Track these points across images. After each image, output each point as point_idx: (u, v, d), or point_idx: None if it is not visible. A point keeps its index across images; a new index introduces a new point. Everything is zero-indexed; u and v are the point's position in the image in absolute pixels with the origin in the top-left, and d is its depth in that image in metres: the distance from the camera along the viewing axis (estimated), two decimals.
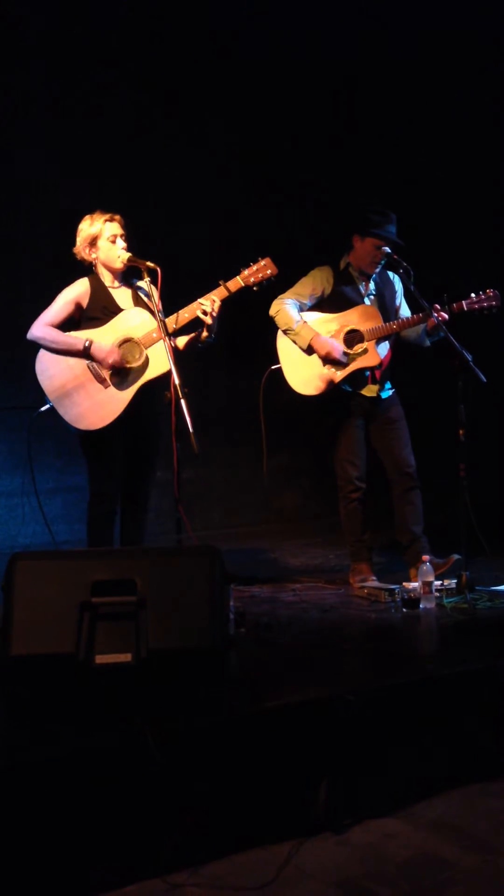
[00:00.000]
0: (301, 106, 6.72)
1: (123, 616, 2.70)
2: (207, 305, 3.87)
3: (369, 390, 4.43)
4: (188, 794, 2.53)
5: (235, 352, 6.50)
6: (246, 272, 3.95)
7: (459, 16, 6.40)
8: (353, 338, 4.37)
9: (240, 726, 2.71)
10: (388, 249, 4.35)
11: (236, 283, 3.94)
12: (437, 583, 4.06)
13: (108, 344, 3.89)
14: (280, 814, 2.67)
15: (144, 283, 3.98)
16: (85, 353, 3.88)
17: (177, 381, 3.57)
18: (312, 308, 4.48)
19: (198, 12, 6.35)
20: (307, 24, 6.60)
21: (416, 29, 6.60)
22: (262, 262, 3.96)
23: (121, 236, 3.96)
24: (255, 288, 3.96)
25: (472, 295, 4.27)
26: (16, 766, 2.41)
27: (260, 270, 3.95)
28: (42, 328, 3.92)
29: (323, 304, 4.48)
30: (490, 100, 6.53)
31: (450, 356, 4.16)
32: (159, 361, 3.90)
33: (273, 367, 4.48)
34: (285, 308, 4.40)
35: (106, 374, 3.92)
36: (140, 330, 3.92)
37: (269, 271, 3.95)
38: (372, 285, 4.50)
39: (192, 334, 3.99)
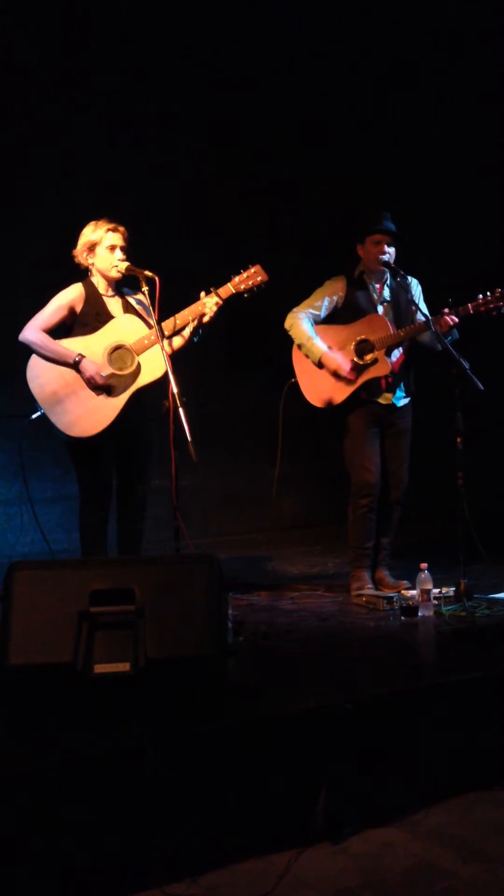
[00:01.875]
0: (302, 111, 6.73)
1: (122, 625, 2.70)
2: (209, 303, 3.91)
3: (384, 398, 4.45)
4: (187, 804, 2.53)
5: (234, 361, 6.51)
6: (236, 279, 3.98)
7: (457, 12, 6.42)
8: (363, 348, 4.39)
9: (238, 735, 2.70)
10: (386, 258, 4.37)
11: (227, 290, 3.98)
12: (436, 590, 4.06)
13: (97, 364, 3.91)
14: (278, 823, 2.67)
15: (140, 297, 4.00)
16: (74, 367, 3.90)
17: (175, 390, 3.59)
18: (328, 318, 4.51)
19: (197, 18, 6.38)
20: (306, 27, 6.62)
21: (416, 27, 6.62)
22: (252, 270, 3.99)
23: (121, 248, 3.98)
24: (245, 295, 3.99)
25: (480, 296, 4.27)
26: (14, 776, 2.41)
27: (250, 277, 3.98)
28: (35, 332, 3.93)
29: (338, 314, 4.51)
30: (492, 96, 6.54)
31: (448, 364, 4.16)
32: (151, 368, 3.92)
33: (291, 381, 4.52)
34: (299, 322, 4.45)
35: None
36: (131, 336, 3.94)
37: (259, 278, 3.98)
38: (387, 291, 4.51)
39: (187, 332, 4.01)
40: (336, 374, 4.39)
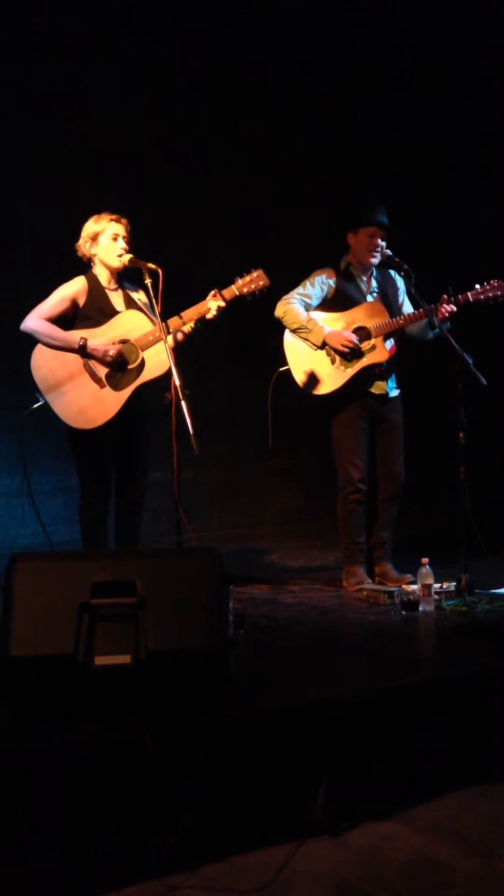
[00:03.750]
0: (303, 108, 6.72)
1: (123, 617, 2.69)
2: (213, 305, 3.95)
3: (377, 387, 4.44)
4: (186, 796, 2.53)
5: (236, 353, 6.51)
6: (240, 282, 4.03)
7: (460, 14, 6.41)
8: (360, 335, 4.38)
9: (239, 728, 2.71)
10: (389, 252, 4.39)
11: (231, 291, 4.02)
12: (437, 585, 4.06)
13: (106, 339, 3.91)
14: (278, 816, 2.67)
15: (140, 294, 4.03)
16: (81, 350, 3.90)
17: (177, 383, 3.60)
18: (317, 308, 4.49)
19: (198, 16, 6.36)
20: (308, 27, 6.60)
21: (417, 28, 6.61)
22: (255, 274, 4.04)
23: (123, 238, 3.99)
24: (247, 298, 4.03)
25: (477, 286, 4.29)
26: (15, 767, 2.42)
27: (253, 281, 4.02)
28: (37, 321, 3.94)
29: (326, 305, 4.49)
30: (489, 93, 6.53)
31: (450, 359, 4.16)
32: (154, 365, 3.94)
33: (281, 369, 4.49)
34: (292, 308, 4.41)
35: (102, 374, 3.94)
36: (136, 332, 3.96)
37: (261, 282, 4.03)
38: (374, 283, 4.52)
39: (187, 330, 4.03)
40: (341, 351, 4.34)
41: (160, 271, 3.76)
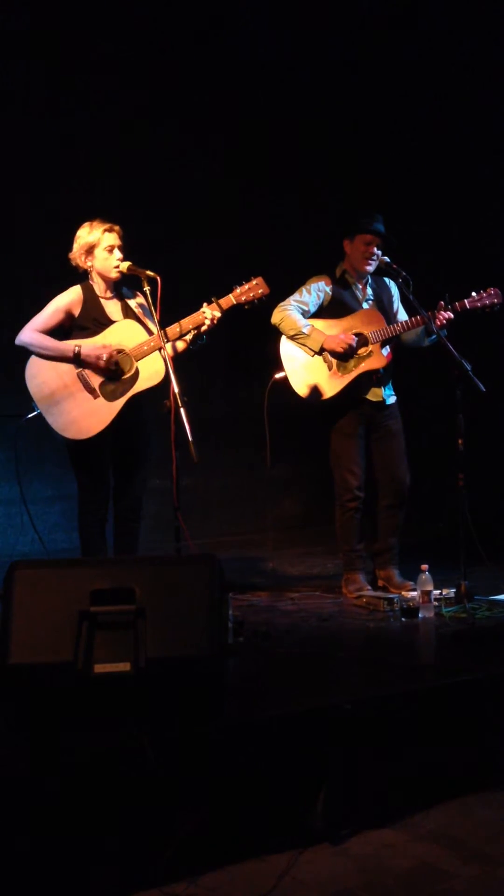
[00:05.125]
0: (302, 113, 6.74)
1: (122, 625, 2.69)
2: (209, 314, 3.92)
3: (374, 394, 4.44)
4: (186, 804, 2.53)
5: (235, 360, 6.51)
6: (238, 290, 4.00)
7: (459, 16, 6.44)
8: (357, 341, 4.39)
9: (238, 735, 2.71)
10: (387, 259, 4.38)
11: (228, 300, 3.99)
12: (436, 592, 4.06)
13: (97, 347, 3.90)
14: (278, 824, 2.67)
15: (139, 300, 4.02)
16: (75, 358, 3.90)
17: (176, 390, 3.60)
18: (313, 316, 4.50)
19: (199, 19, 6.38)
20: (308, 29, 6.62)
21: (417, 31, 6.63)
22: (254, 282, 4.01)
23: (118, 247, 3.98)
24: (246, 307, 4.01)
25: (473, 293, 4.30)
26: (14, 775, 2.41)
27: (252, 290, 3.99)
28: (31, 333, 3.94)
29: (322, 312, 4.50)
30: (488, 97, 6.56)
31: (449, 366, 4.17)
32: (149, 374, 3.93)
33: (277, 376, 4.48)
34: (290, 314, 4.41)
35: (96, 384, 3.93)
36: (131, 342, 3.95)
37: (260, 290, 4.00)
38: (369, 290, 4.53)
39: (189, 337, 4.01)
40: (340, 354, 4.34)
41: (158, 279, 3.76)
